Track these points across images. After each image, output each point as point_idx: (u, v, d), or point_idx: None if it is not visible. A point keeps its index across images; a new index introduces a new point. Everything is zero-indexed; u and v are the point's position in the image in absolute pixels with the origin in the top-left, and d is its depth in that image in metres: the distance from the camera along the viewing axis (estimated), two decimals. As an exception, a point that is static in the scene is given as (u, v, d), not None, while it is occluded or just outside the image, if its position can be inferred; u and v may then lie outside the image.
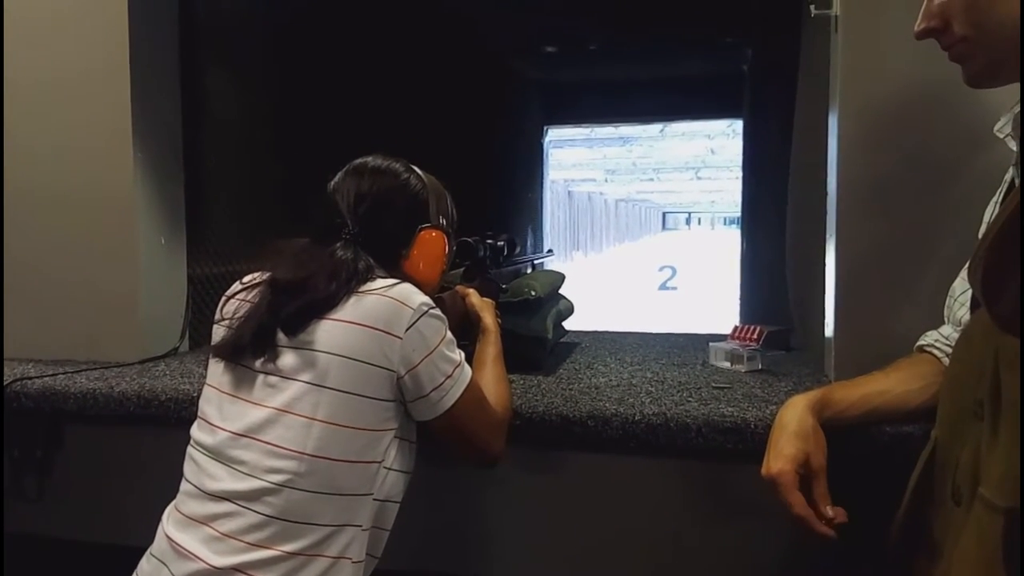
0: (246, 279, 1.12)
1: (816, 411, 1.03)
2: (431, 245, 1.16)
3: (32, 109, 1.72)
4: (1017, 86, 0.86)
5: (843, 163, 1.39)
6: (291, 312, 1.01)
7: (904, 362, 1.12)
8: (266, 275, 1.08)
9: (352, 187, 1.13)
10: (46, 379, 1.52)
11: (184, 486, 1.05)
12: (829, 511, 0.96)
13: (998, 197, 0.97)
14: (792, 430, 1.01)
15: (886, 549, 0.96)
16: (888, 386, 1.08)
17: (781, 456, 0.99)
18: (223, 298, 1.13)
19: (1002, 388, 0.75)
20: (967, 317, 1.06)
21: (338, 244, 1.08)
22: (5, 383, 1.48)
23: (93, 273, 1.73)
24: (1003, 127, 0.90)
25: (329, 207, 1.13)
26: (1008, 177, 0.96)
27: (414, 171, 1.19)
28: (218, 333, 1.10)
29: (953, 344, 1.07)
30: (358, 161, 1.17)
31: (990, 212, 0.98)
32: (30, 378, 1.52)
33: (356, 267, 1.04)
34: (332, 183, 1.16)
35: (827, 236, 1.46)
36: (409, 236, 1.15)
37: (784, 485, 0.97)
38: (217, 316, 1.12)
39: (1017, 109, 0.87)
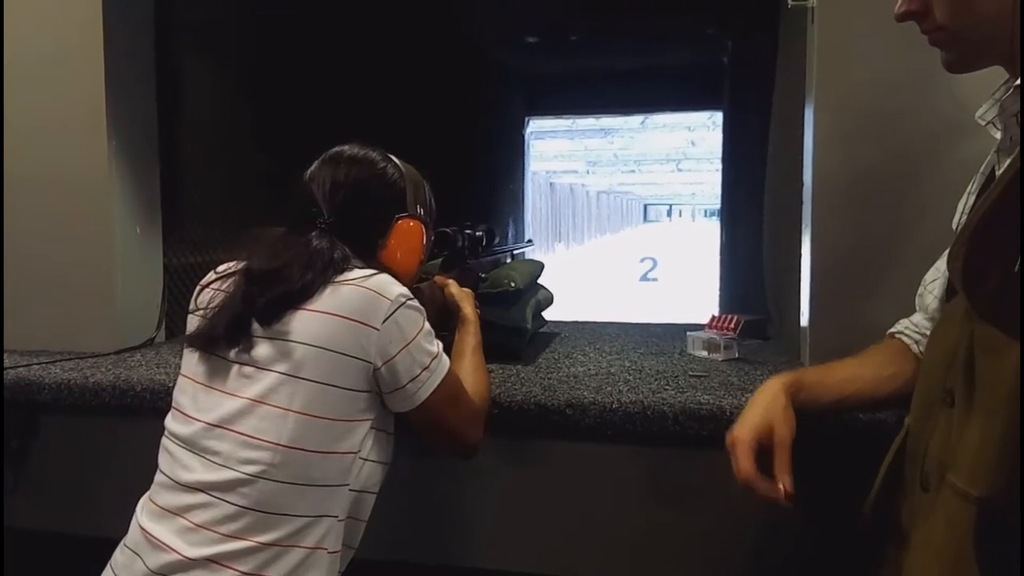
0: (221, 268, 1.11)
1: (790, 392, 1.04)
2: (408, 235, 1.16)
3: (3, 96, 1.69)
4: (997, 72, 0.86)
5: (819, 155, 1.40)
6: (265, 302, 1.00)
7: (875, 349, 1.13)
8: (241, 265, 1.07)
9: (328, 176, 1.12)
10: (20, 369, 1.51)
11: (158, 477, 1.04)
12: (785, 480, 0.96)
13: (972, 187, 0.98)
14: (761, 404, 1.03)
15: (856, 536, 0.97)
16: (860, 372, 1.09)
17: (742, 423, 1.01)
18: (198, 287, 1.12)
19: (977, 374, 0.75)
20: (935, 305, 1.07)
21: (313, 233, 1.07)
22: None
23: (68, 263, 1.71)
24: (985, 114, 0.89)
25: (305, 196, 1.12)
26: (984, 168, 0.96)
27: (391, 160, 1.18)
28: (192, 323, 1.09)
29: (923, 332, 1.08)
30: (335, 150, 1.17)
31: (964, 202, 0.99)
32: (4, 368, 1.50)
33: (332, 256, 1.04)
34: (308, 172, 1.15)
35: (803, 227, 1.47)
36: (386, 226, 1.14)
37: (738, 447, 0.98)
38: (192, 306, 1.11)
39: (999, 95, 0.86)
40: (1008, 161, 0.81)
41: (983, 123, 0.89)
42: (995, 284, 0.70)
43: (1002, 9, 0.77)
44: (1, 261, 1.70)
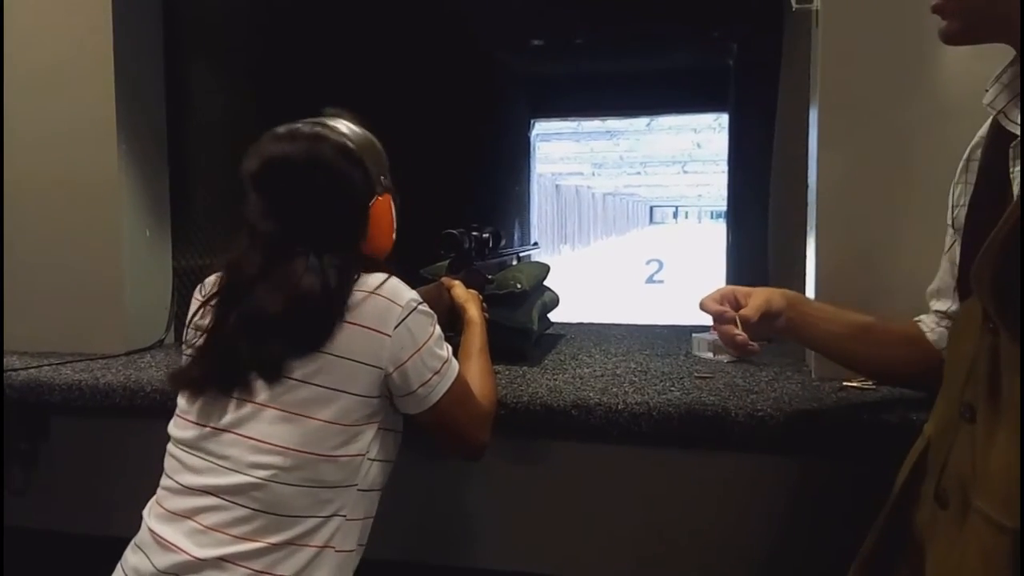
0: (208, 283, 1.10)
1: (789, 296, 1.10)
2: (381, 215, 1.11)
3: (16, 101, 1.71)
4: (997, 55, 0.82)
5: (823, 157, 1.41)
6: (269, 353, 0.98)
7: (890, 325, 1.13)
8: (222, 285, 1.05)
9: (286, 184, 1.08)
10: (31, 371, 1.52)
11: (164, 482, 1.03)
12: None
13: (959, 176, 0.95)
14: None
15: (860, 539, 0.95)
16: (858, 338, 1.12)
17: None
18: (194, 302, 1.10)
19: (1004, 394, 0.72)
20: (937, 305, 1.07)
21: (297, 261, 1.01)
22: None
23: (78, 265, 1.72)
24: (995, 101, 0.82)
25: (259, 201, 1.11)
26: (972, 153, 0.93)
27: (343, 143, 1.08)
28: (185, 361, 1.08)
29: (937, 321, 1.07)
30: (276, 151, 1.13)
31: (954, 192, 0.97)
32: (15, 370, 1.52)
33: (328, 294, 0.99)
34: (251, 169, 1.13)
35: (808, 229, 1.48)
36: (361, 217, 1.09)
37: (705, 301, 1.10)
38: (184, 345, 1.10)
39: (1006, 80, 0.82)
40: None
41: (993, 111, 0.84)
42: None
43: None
44: (1, 260, 1.72)
